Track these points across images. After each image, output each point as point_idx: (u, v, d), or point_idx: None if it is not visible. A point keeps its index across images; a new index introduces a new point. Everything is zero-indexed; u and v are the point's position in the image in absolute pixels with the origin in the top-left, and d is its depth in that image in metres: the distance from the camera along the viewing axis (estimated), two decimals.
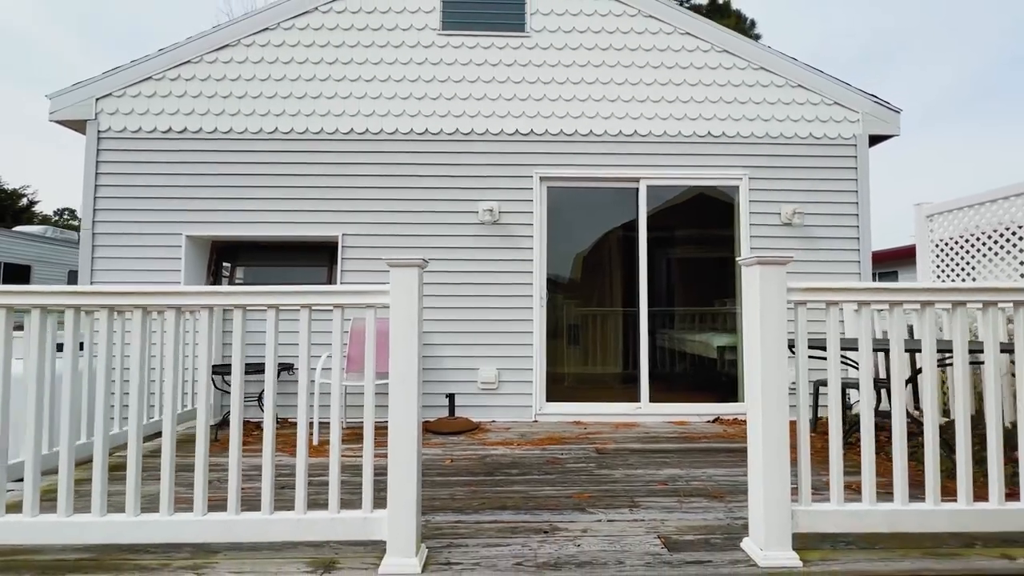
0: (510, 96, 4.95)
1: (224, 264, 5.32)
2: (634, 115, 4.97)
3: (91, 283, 4.72)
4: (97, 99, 4.82)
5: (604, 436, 4.14)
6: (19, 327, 2.22)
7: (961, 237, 3.82)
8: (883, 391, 3.86)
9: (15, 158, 65.60)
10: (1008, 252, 3.45)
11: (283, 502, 2.18)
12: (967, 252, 3.79)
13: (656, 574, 1.96)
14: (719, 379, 5.11)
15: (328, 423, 4.30)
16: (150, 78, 4.86)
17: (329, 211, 4.86)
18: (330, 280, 5.14)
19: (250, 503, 2.17)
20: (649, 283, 4.93)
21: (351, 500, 2.19)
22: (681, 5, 23.65)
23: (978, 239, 3.67)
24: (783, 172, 4.97)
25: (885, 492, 2.27)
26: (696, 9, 24.08)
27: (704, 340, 5.20)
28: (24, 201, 23.68)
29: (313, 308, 2.09)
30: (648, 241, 4.94)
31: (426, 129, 4.91)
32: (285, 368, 4.44)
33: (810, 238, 4.93)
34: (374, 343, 2.08)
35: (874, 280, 15.17)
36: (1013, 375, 3.17)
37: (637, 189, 4.97)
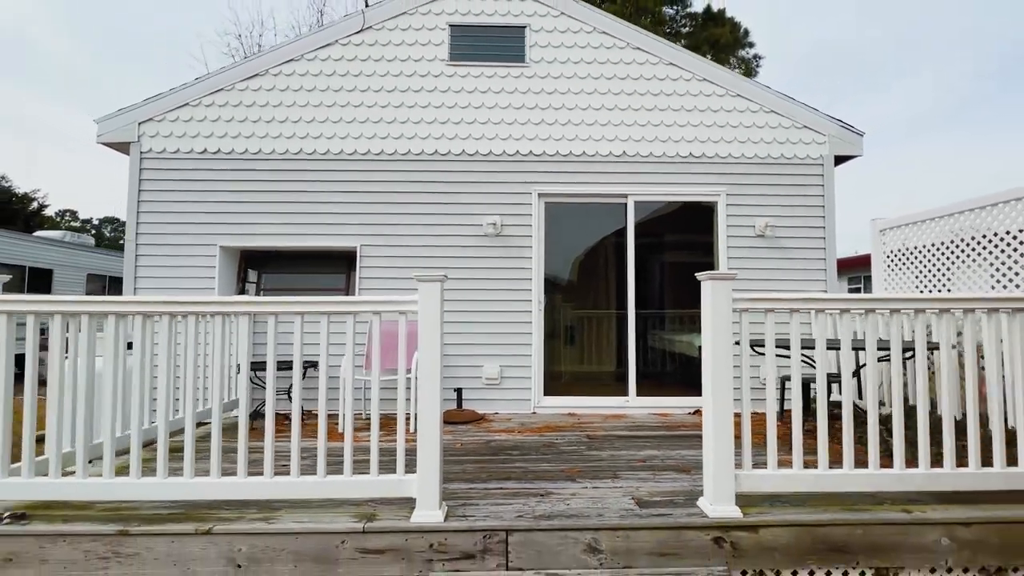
0: (511, 120, 5.50)
1: (249, 271, 5.86)
2: (623, 137, 5.52)
3: (135, 290, 5.25)
4: (140, 123, 5.36)
5: (595, 425, 4.68)
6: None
7: (907, 249, 4.37)
8: (833, 384, 4.39)
9: (12, 159, 66.14)
10: (943, 264, 4.00)
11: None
12: (910, 262, 4.34)
13: (627, 522, 2.50)
14: (700, 375, 5.63)
15: (345, 414, 4.86)
16: (187, 104, 5.40)
17: (348, 224, 5.40)
18: (348, 286, 5.68)
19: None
20: (637, 288, 5.48)
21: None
22: (677, 14, 23.84)
23: (919, 251, 4.22)
24: (757, 189, 5.52)
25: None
26: (691, 17, 24.67)
27: (687, 340, 5.74)
28: (35, 205, 24.23)
29: (357, 314, 2.63)
30: (636, 249, 5.49)
31: (435, 150, 5.46)
32: (311, 365, 4.96)
33: (781, 248, 5.48)
34: (405, 344, 2.63)
35: (852, 284, 15.72)
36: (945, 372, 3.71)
37: (625, 204, 5.52)
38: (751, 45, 24.22)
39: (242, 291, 5.76)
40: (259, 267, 5.86)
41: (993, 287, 3.64)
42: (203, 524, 2.48)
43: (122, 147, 5.44)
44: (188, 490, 2.54)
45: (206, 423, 4.31)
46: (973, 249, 3.74)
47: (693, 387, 5.67)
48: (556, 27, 5.57)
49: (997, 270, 3.60)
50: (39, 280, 11.36)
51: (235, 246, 5.43)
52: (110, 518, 2.56)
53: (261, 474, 2.59)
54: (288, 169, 5.42)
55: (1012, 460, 2.65)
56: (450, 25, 5.54)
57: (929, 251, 4.13)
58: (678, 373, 5.79)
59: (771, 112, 5.57)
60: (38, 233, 13.13)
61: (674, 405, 5.32)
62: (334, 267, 5.75)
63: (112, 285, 13.42)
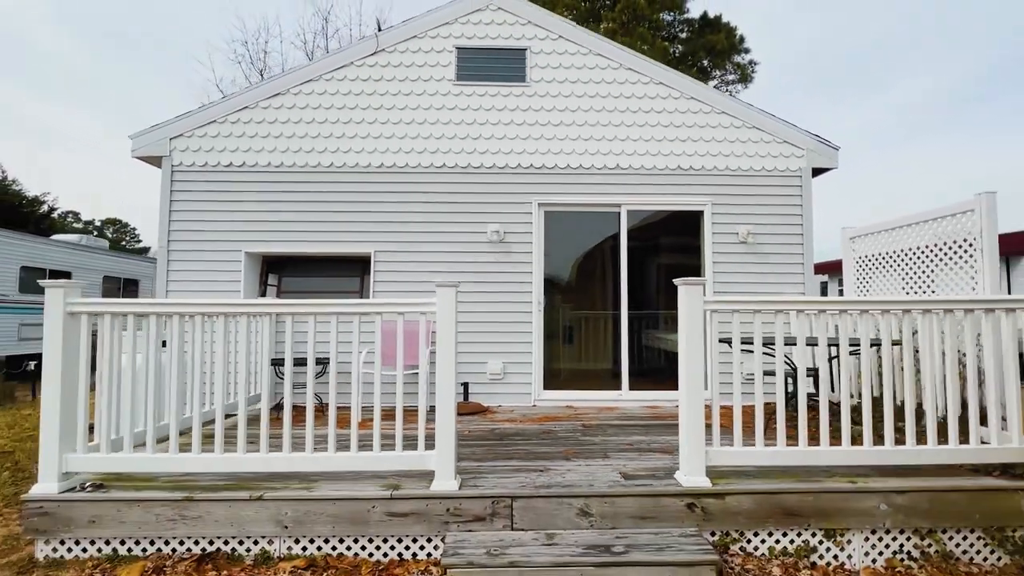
0: (513, 136, 5.95)
1: (270, 275, 6.31)
2: (616, 151, 5.98)
3: (167, 293, 5.70)
4: (171, 139, 5.82)
5: (590, 416, 5.13)
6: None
7: (872, 256, 4.82)
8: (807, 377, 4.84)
9: (14, 161, 66.65)
10: (905, 269, 4.45)
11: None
12: (876, 267, 4.79)
13: (614, 490, 2.96)
14: None
15: (360, 407, 5.32)
16: (214, 121, 5.86)
17: (363, 231, 5.85)
18: (362, 289, 6.13)
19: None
20: (630, 290, 5.94)
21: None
22: (675, 19, 24.15)
23: (883, 257, 4.67)
24: (740, 199, 5.97)
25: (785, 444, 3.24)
26: (688, 24, 25.12)
27: (675, 339, 6.18)
28: (44, 208, 24.71)
29: (383, 314, 3.08)
30: (629, 253, 5.95)
31: (443, 163, 5.91)
32: (327, 362, 5.41)
33: (762, 254, 5.93)
34: (427, 342, 3.08)
35: (842, 287, 16.12)
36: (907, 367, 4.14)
37: (619, 213, 5.98)
38: (747, 51, 24.62)
39: (263, 293, 6.21)
40: (279, 271, 6.31)
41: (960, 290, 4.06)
42: (255, 492, 2.93)
43: (154, 161, 5.89)
44: (241, 463, 2.99)
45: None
46: (929, 258, 4.18)
47: None
48: (555, 49, 6.02)
49: (967, 274, 4.01)
50: None
51: (258, 252, 5.88)
52: (175, 487, 3.01)
53: (303, 451, 3.04)
54: (308, 181, 5.87)
55: (944, 439, 3.10)
56: (457, 48, 6.00)
57: (891, 257, 4.59)
58: (668, 369, 6.23)
59: (753, 128, 6.02)
60: (56, 237, 13.58)
61: (663, 398, 5.76)
62: (349, 271, 6.20)
63: (126, 287, 13.87)
